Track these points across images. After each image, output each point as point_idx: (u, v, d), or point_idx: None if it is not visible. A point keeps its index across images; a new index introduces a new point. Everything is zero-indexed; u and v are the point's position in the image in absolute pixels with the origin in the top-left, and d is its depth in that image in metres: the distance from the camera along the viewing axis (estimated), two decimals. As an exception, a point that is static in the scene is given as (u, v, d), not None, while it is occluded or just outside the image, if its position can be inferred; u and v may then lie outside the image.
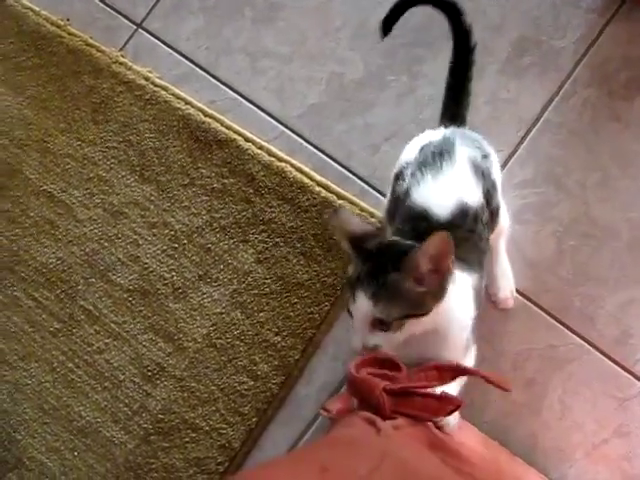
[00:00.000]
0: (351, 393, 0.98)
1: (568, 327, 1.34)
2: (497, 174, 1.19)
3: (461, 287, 1.03)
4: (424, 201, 1.07)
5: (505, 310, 1.34)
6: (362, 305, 0.96)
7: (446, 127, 1.21)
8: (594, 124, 1.40)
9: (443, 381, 0.96)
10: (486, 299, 1.28)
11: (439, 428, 0.99)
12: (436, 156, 1.10)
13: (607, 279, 1.34)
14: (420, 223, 1.05)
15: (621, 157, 1.38)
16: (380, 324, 0.96)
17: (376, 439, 0.86)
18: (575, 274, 1.35)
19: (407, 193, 1.09)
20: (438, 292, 0.97)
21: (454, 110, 1.26)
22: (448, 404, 0.93)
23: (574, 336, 1.33)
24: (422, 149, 1.13)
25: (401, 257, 0.95)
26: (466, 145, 1.13)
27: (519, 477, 1.22)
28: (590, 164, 1.39)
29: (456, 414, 1.02)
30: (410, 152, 1.16)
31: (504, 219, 1.25)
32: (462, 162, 1.10)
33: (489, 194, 1.13)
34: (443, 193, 1.07)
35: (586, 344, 1.32)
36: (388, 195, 1.21)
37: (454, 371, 0.97)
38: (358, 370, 0.95)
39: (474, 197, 1.08)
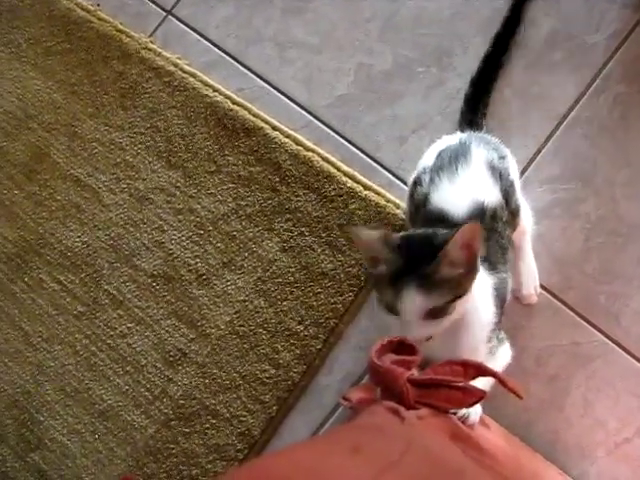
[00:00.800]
0: (374, 382, 0.99)
1: (593, 324, 1.33)
2: (515, 175, 1.21)
3: (482, 286, 1.05)
4: (441, 204, 1.09)
5: (529, 306, 1.33)
6: (412, 299, 0.97)
7: (463, 132, 1.25)
8: (624, 121, 1.38)
9: (467, 377, 0.96)
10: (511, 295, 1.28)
11: (461, 420, 1.00)
12: (452, 160, 1.12)
13: (633, 277, 1.33)
14: (438, 225, 1.06)
15: None
16: (432, 314, 0.98)
17: (400, 427, 0.86)
18: (601, 271, 1.34)
19: (426, 199, 1.12)
20: (472, 271, 0.99)
21: (472, 116, 1.31)
22: (471, 395, 0.93)
23: (598, 333, 1.32)
24: (439, 155, 1.16)
25: (431, 246, 0.97)
26: (483, 147, 1.16)
27: (539, 473, 1.21)
28: (619, 161, 1.38)
29: (478, 408, 1.04)
30: (428, 158, 1.18)
31: (527, 218, 1.27)
32: (478, 163, 1.13)
33: (507, 194, 1.15)
34: (459, 194, 1.09)
35: (610, 342, 1.32)
36: (407, 201, 1.24)
37: (478, 370, 0.96)
38: (379, 357, 0.96)
39: (492, 196, 1.10)
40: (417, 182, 1.17)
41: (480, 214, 1.08)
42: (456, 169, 1.11)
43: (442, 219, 1.08)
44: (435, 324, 0.99)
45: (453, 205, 1.08)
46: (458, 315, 1.01)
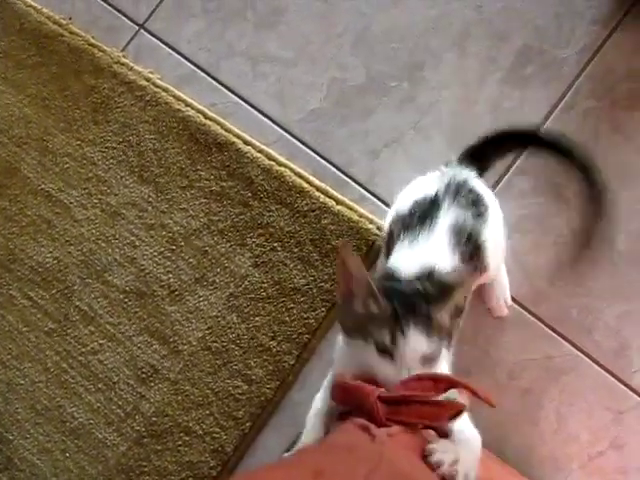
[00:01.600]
0: (340, 401, 0.97)
1: (565, 338, 1.33)
2: (491, 232, 1.18)
3: None
4: (395, 262, 1.10)
5: (501, 319, 1.34)
6: (416, 344, 0.95)
7: (455, 166, 1.23)
8: (595, 135, 1.39)
9: (438, 391, 0.95)
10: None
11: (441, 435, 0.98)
12: (419, 221, 1.12)
13: (605, 290, 1.33)
14: (387, 281, 1.06)
15: (621, 169, 1.37)
16: (429, 360, 0.96)
17: (370, 445, 0.85)
18: (573, 285, 1.34)
19: (390, 251, 1.14)
20: (459, 316, 1.01)
21: (479, 155, 1.28)
22: (448, 409, 0.92)
23: (571, 347, 1.32)
24: (414, 205, 1.15)
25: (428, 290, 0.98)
26: (456, 206, 1.13)
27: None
28: None
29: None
30: (403, 203, 1.18)
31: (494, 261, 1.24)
32: (442, 229, 1.11)
33: (473, 254, 1.13)
34: (412, 258, 1.09)
35: (583, 355, 1.32)
36: (386, 228, 1.22)
37: (448, 382, 0.96)
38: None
39: (445, 262, 1.08)
40: (392, 229, 1.17)
41: (427, 277, 1.06)
42: (419, 233, 1.11)
43: (391, 276, 1.07)
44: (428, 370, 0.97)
45: (403, 266, 1.08)
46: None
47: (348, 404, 0.96)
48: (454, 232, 1.12)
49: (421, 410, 0.92)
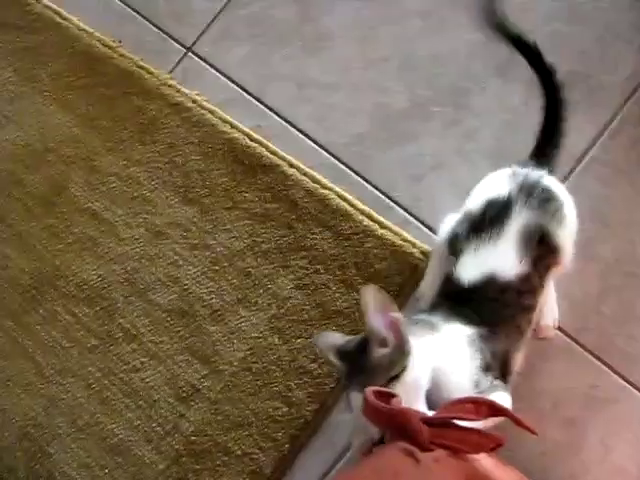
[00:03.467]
0: (379, 422, 0.97)
1: (610, 367, 1.31)
2: (567, 231, 1.18)
3: (449, 337, 1.08)
4: (461, 269, 1.13)
5: (546, 347, 1.31)
6: (355, 398, 1.00)
7: (526, 167, 1.21)
8: None
9: (479, 415, 0.94)
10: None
11: None
12: (489, 224, 1.12)
13: None
14: (447, 284, 1.14)
15: None
16: None
17: (417, 471, 0.84)
18: (618, 313, 1.32)
19: (457, 257, 1.15)
20: (401, 345, 1.00)
21: (543, 150, 1.27)
22: (490, 441, 0.91)
23: (616, 376, 1.30)
24: (486, 206, 1.15)
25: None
26: (528, 207, 1.13)
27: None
28: (636, 203, 1.37)
29: None
30: (475, 200, 1.18)
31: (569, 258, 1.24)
32: (512, 232, 1.12)
33: (545, 256, 1.14)
34: (477, 263, 1.12)
35: (629, 385, 1.29)
36: (444, 234, 1.23)
37: (490, 408, 0.95)
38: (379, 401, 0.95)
39: (510, 270, 1.11)
40: (458, 229, 1.18)
41: (488, 284, 1.10)
42: (489, 237, 1.12)
43: (451, 279, 1.13)
44: None
45: (466, 271, 1.12)
46: (406, 391, 1.00)
47: (388, 426, 0.95)
48: (525, 234, 1.12)
49: (465, 437, 0.91)
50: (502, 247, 1.11)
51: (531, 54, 1.28)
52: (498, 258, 1.11)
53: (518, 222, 1.12)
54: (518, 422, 0.94)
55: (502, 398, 1.07)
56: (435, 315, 1.12)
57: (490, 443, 0.90)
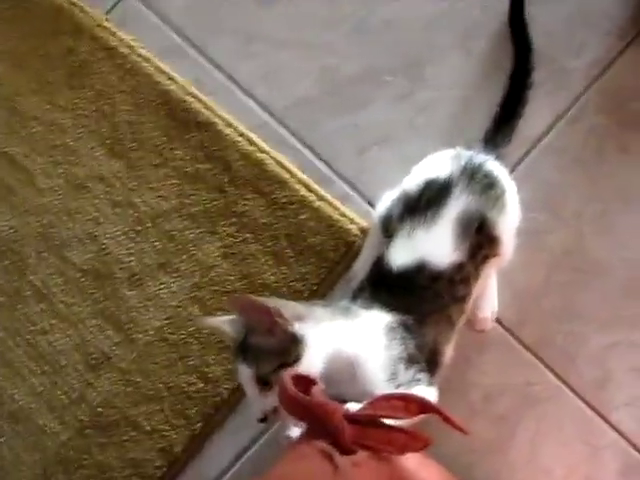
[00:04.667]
0: (297, 416, 0.87)
1: (547, 365, 1.26)
2: (508, 221, 1.14)
3: (366, 324, 1.02)
4: (392, 252, 1.07)
5: (482, 338, 1.25)
6: (242, 371, 0.97)
7: (472, 149, 1.16)
8: (599, 153, 1.32)
9: (409, 413, 0.86)
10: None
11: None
12: (425, 206, 1.06)
13: (593, 319, 1.27)
14: (376, 267, 1.09)
15: (624, 191, 1.30)
16: (263, 384, 0.96)
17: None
18: (561, 309, 1.27)
19: (392, 234, 1.09)
20: (294, 338, 0.96)
21: (497, 132, 1.24)
22: (417, 442, 0.83)
23: (552, 375, 1.25)
24: (425, 187, 1.09)
25: None
26: (469, 192, 1.07)
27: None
28: (591, 195, 1.31)
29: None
30: (414, 180, 1.12)
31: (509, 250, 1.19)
32: (449, 219, 1.06)
33: (482, 245, 1.09)
34: (409, 248, 1.06)
35: (564, 385, 1.25)
36: (380, 210, 1.17)
37: (420, 405, 0.87)
38: (297, 389, 0.86)
39: (443, 258, 1.05)
40: (392, 209, 1.12)
41: (419, 272, 1.04)
42: (421, 221, 1.06)
43: (388, 269, 1.06)
44: (272, 395, 0.95)
45: (396, 256, 1.06)
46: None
47: (306, 421, 0.86)
48: (462, 222, 1.06)
49: (391, 437, 0.83)
50: (437, 232, 1.05)
51: (520, 26, 1.25)
52: (432, 244, 1.05)
53: (456, 207, 1.06)
54: (449, 421, 0.86)
55: (425, 392, 1.00)
56: (357, 301, 1.07)
57: (418, 444, 0.83)
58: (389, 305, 1.04)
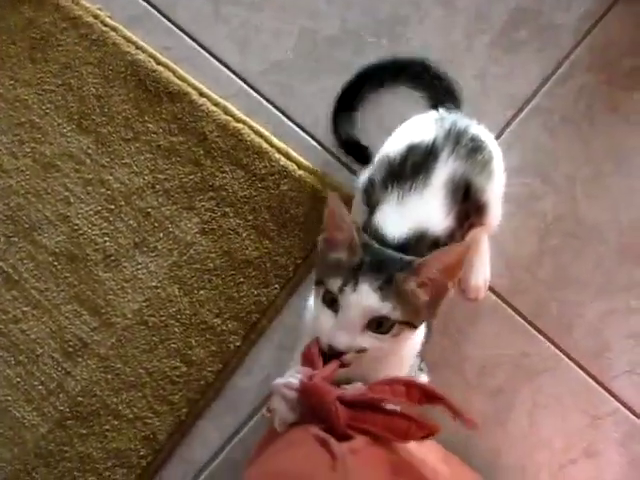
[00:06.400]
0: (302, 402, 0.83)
1: (543, 334, 1.23)
2: (495, 187, 1.08)
3: None
4: (382, 220, 0.99)
5: (476, 308, 1.22)
6: (364, 297, 0.86)
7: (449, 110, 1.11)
8: (590, 113, 1.29)
9: (410, 400, 0.81)
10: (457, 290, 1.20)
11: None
12: (412, 171, 1.00)
13: (589, 285, 1.24)
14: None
15: (616, 152, 1.28)
16: (377, 325, 0.87)
17: (334, 477, 0.69)
18: (555, 276, 1.25)
19: (374, 207, 1.02)
20: (434, 306, 0.90)
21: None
22: (422, 429, 0.77)
23: (549, 344, 1.23)
24: (409, 150, 1.02)
25: (407, 260, 0.89)
26: (454, 157, 1.01)
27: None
28: (582, 157, 1.28)
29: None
30: (396, 144, 1.05)
31: (496, 218, 1.15)
32: (438, 184, 1.00)
33: (469, 213, 1.03)
34: (402, 217, 0.99)
35: (561, 354, 1.22)
36: (362, 180, 1.11)
37: (424, 393, 0.81)
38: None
39: (439, 225, 0.99)
40: (374, 176, 1.05)
41: (418, 241, 0.97)
42: (410, 187, 0.99)
43: (379, 239, 0.97)
44: (372, 339, 0.87)
45: (392, 227, 0.98)
46: (393, 349, 0.91)
47: (303, 403, 0.81)
48: (452, 186, 1.00)
49: (392, 422, 0.77)
50: (430, 198, 0.99)
51: None
52: (427, 210, 0.99)
53: (445, 171, 1.00)
54: (456, 413, 0.80)
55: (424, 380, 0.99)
56: None
57: (422, 432, 0.78)
58: None
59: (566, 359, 1.21)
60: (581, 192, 1.26)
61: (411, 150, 1.02)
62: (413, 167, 1.00)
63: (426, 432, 0.77)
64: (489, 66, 1.30)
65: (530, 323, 1.23)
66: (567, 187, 1.26)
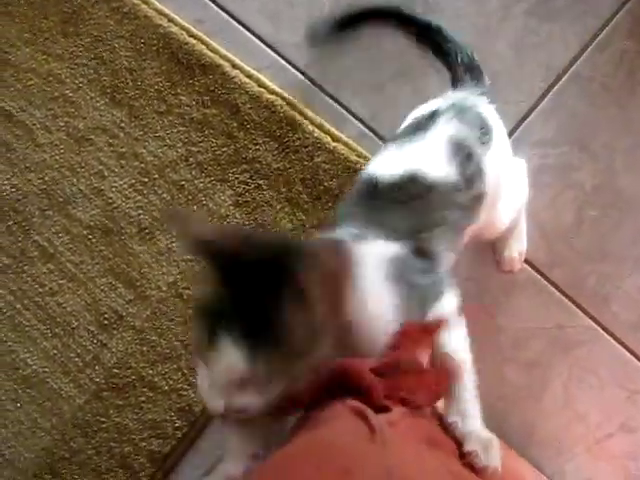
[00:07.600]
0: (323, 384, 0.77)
1: (580, 306, 1.21)
2: (493, 162, 0.99)
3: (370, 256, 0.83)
4: (374, 168, 0.94)
5: (511, 280, 1.21)
6: (224, 355, 0.68)
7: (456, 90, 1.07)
8: (630, 82, 1.26)
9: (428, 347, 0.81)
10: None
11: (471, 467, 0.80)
12: (411, 131, 0.97)
13: (627, 257, 1.22)
14: (365, 187, 0.92)
15: None
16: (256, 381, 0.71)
17: (373, 449, 0.67)
18: (593, 248, 1.23)
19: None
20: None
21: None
22: (444, 380, 0.79)
23: (585, 317, 1.21)
24: (412, 121, 1.01)
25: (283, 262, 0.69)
26: (458, 122, 0.96)
27: (513, 474, 1.07)
28: (621, 127, 1.26)
29: (496, 450, 0.84)
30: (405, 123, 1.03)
31: (523, 193, 1.12)
32: (438, 137, 0.94)
33: (472, 178, 0.94)
34: (398, 161, 0.93)
35: (598, 327, 1.21)
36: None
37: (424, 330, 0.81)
38: None
39: (436, 170, 0.91)
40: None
41: (412, 181, 0.90)
42: (409, 139, 0.95)
43: (371, 184, 0.91)
44: (256, 395, 0.71)
45: (385, 168, 0.91)
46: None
47: (334, 385, 0.77)
48: (454, 144, 0.94)
49: (420, 381, 0.77)
50: (428, 145, 0.94)
51: None
52: (424, 154, 0.93)
53: (446, 129, 0.95)
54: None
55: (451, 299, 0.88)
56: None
57: (446, 381, 0.79)
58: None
59: (603, 332, 1.20)
60: (620, 162, 1.24)
61: (415, 119, 1.00)
62: (415, 127, 0.98)
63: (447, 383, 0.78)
64: (525, 35, 1.28)
65: (566, 295, 1.21)
66: (606, 157, 1.24)
